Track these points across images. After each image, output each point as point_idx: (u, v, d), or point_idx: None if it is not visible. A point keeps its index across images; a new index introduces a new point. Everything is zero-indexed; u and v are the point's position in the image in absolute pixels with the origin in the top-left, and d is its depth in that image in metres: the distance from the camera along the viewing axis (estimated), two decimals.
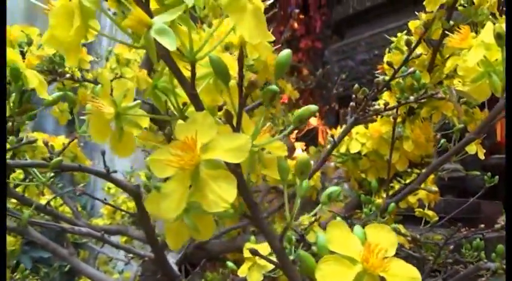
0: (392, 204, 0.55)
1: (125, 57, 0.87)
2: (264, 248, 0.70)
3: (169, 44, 0.24)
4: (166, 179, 0.27)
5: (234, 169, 0.27)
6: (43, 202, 0.88)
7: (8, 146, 0.40)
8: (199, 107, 0.28)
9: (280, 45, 0.82)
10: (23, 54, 0.74)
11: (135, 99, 0.37)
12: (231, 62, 0.28)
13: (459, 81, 0.51)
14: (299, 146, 1.63)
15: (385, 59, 0.69)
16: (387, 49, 0.69)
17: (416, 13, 0.66)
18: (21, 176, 0.80)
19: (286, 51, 0.28)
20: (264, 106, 0.27)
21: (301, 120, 0.28)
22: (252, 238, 0.68)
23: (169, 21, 0.24)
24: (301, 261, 0.26)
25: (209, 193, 0.25)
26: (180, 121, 0.30)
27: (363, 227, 0.28)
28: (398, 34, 0.68)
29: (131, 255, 0.81)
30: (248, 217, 0.30)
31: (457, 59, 0.41)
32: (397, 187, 0.84)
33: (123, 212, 1.63)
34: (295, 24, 2.80)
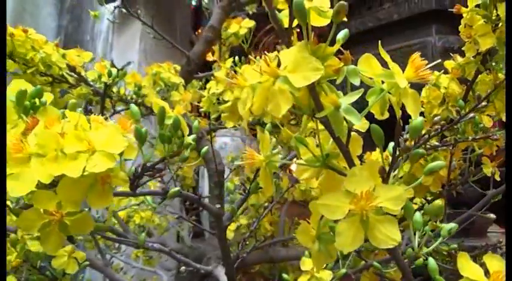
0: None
1: (171, 81, 0.94)
2: None
3: (355, 120, 0.32)
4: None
5: None
6: None
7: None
8: (352, 162, 0.36)
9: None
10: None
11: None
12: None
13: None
14: None
15: (423, 93, 0.78)
16: (425, 85, 0.78)
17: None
18: None
19: (420, 119, 0.36)
20: (410, 164, 0.35)
21: (431, 173, 0.36)
22: (306, 253, 0.75)
23: (351, 102, 0.32)
24: None
25: (378, 234, 0.33)
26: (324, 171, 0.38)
27: None
28: (435, 72, 0.77)
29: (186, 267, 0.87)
30: None
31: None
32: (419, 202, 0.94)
33: (136, 222, 1.69)
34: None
